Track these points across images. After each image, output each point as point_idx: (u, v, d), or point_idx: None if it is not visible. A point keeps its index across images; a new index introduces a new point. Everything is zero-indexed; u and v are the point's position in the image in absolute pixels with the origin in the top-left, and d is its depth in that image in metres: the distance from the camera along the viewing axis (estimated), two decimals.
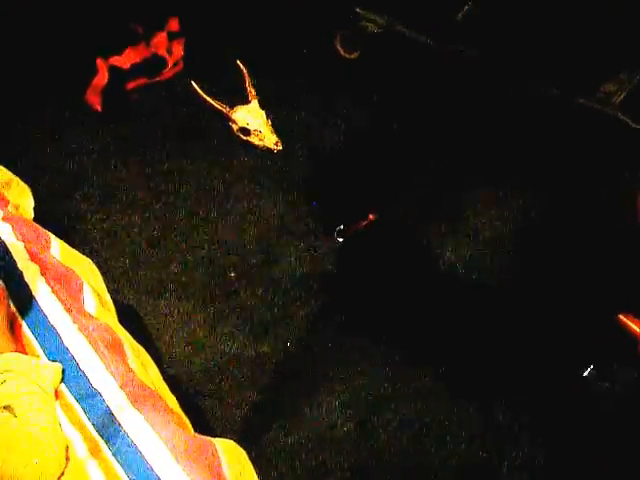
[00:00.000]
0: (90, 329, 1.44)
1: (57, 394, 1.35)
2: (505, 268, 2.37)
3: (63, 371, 1.38)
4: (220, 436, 1.46)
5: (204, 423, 2.04)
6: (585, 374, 1.91)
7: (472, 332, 2.11)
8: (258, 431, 2.07)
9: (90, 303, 1.60)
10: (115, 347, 1.47)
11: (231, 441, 1.48)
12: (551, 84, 2.65)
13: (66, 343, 1.40)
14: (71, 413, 1.33)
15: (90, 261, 1.84)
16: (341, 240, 2.22)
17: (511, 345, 2.09)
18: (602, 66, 2.68)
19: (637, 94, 2.67)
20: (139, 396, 1.36)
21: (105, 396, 1.32)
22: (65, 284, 1.57)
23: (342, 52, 3.05)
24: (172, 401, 1.54)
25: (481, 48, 2.72)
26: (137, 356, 1.53)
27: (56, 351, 1.41)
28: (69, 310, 1.48)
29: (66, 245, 1.78)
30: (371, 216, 2.18)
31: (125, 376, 1.38)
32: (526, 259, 2.39)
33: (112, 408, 1.30)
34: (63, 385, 1.38)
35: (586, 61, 2.65)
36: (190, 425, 1.48)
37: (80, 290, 1.61)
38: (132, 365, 1.48)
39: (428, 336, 2.21)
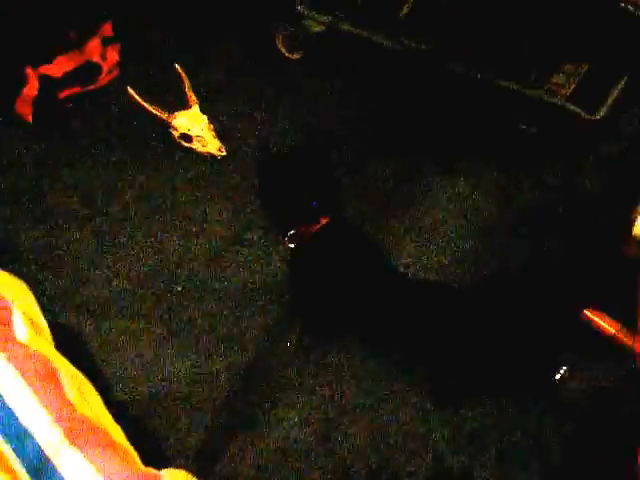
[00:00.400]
0: (20, 358, 1.30)
1: None
2: (464, 267, 2.30)
3: None
4: (173, 463, 1.34)
5: (155, 451, 1.91)
6: (557, 377, 1.83)
7: (434, 336, 2.01)
8: (214, 454, 1.95)
9: (21, 329, 1.46)
10: (49, 377, 1.33)
11: (181, 471, 1.37)
12: (499, 75, 2.58)
13: None
14: None
15: (21, 282, 1.70)
16: (292, 246, 2.10)
17: (476, 350, 2.00)
18: (549, 57, 2.63)
19: (586, 85, 2.62)
20: (77, 431, 1.22)
21: (37, 435, 1.19)
22: None
23: (284, 52, 2.94)
24: (116, 432, 1.41)
25: (427, 42, 2.64)
26: (75, 385, 1.39)
27: None
28: None
29: None
30: (323, 219, 2.07)
31: (60, 409, 1.25)
32: (487, 256, 2.31)
33: (46, 448, 1.17)
34: None
35: (532, 52, 2.60)
36: (137, 457, 1.35)
37: (9, 315, 1.47)
38: (69, 395, 1.35)
39: (389, 343, 2.12)
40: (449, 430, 1.97)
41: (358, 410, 2.04)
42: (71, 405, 1.32)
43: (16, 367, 1.28)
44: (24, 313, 1.53)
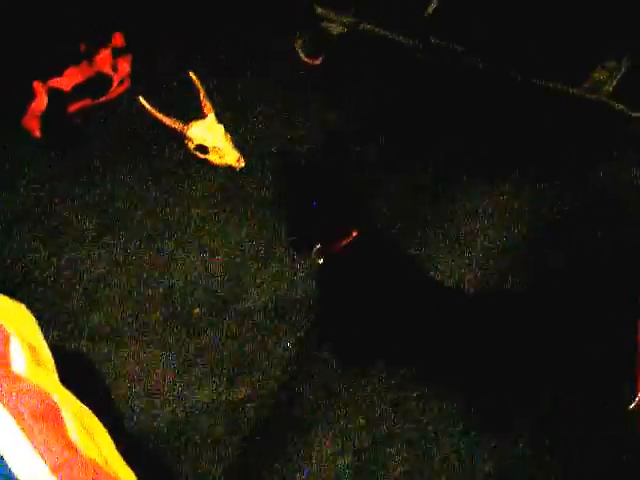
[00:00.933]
0: (13, 396, 1.13)
1: None
2: (503, 277, 2.11)
3: None
4: None
5: None
6: (632, 406, 1.63)
7: (474, 350, 1.82)
8: None
9: (18, 360, 1.28)
10: (48, 416, 1.16)
11: None
12: (538, 75, 2.40)
13: None
14: None
15: (22, 306, 1.53)
16: (321, 261, 1.92)
17: (521, 365, 1.81)
18: (590, 54, 2.45)
19: (629, 82, 2.43)
20: (74, 469, 1.05)
21: None
22: None
23: (304, 58, 2.78)
24: (127, 475, 1.23)
25: (458, 41, 2.47)
26: (80, 423, 1.21)
27: None
28: None
29: None
30: (354, 232, 1.89)
31: (60, 455, 1.07)
32: (525, 265, 2.12)
33: None
34: None
35: (573, 50, 2.42)
36: None
37: (6, 345, 1.30)
38: (72, 437, 1.17)
39: (426, 361, 1.93)
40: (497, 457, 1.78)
41: (396, 439, 1.85)
42: (73, 448, 1.14)
43: (8, 407, 1.11)
44: (24, 341, 1.36)
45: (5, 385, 1.14)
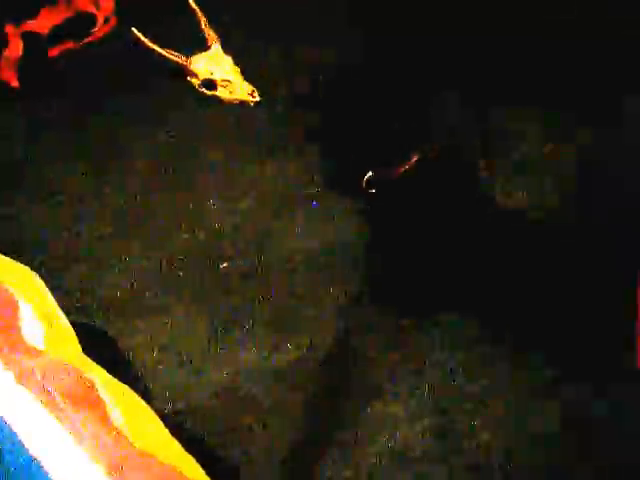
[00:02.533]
0: (38, 375, 0.84)
1: None
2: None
3: None
4: None
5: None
6: None
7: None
8: (307, 468, 1.49)
9: (34, 330, 1.00)
10: (85, 396, 0.87)
11: None
12: None
13: None
14: None
15: (29, 270, 1.24)
16: (373, 191, 1.62)
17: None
18: None
19: None
20: (132, 469, 0.76)
21: None
22: None
23: None
24: (189, 466, 0.95)
25: None
26: (124, 405, 0.93)
27: None
28: None
29: None
30: (415, 157, 1.59)
31: (109, 448, 0.78)
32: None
33: None
34: None
35: None
36: None
37: (15, 312, 1.01)
38: (117, 422, 0.89)
39: (495, 317, 1.65)
40: None
41: (473, 398, 1.58)
42: (123, 437, 0.86)
43: (29, 388, 0.81)
44: (38, 309, 1.07)
45: (23, 362, 0.85)
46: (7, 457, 0.74)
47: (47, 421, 0.78)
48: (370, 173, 1.63)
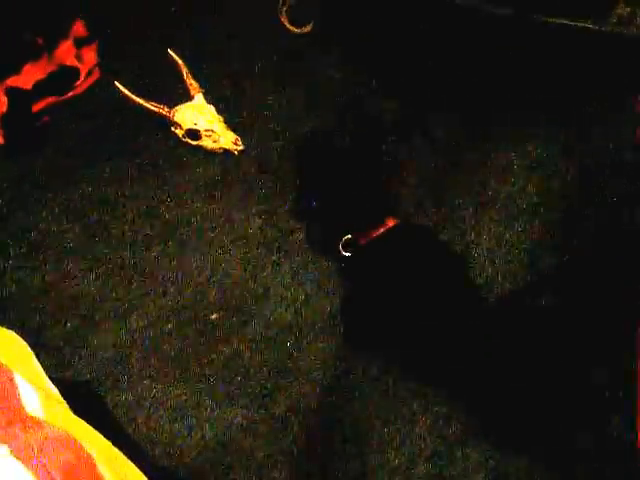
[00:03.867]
0: (35, 449, 0.83)
1: None
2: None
3: None
4: None
5: None
6: None
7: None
8: None
9: (32, 399, 0.99)
10: (81, 470, 0.87)
11: None
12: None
13: None
14: None
15: (15, 336, 1.23)
16: (347, 255, 1.67)
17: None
18: None
19: None
20: None
21: None
22: None
23: (289, 26, 2.49)
24: None
25: None
26: (119, 476, 0.92)
27: None
28: None
29: None
30: (389, 221, 1.64)
31: None
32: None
33: None
34: None
35: None
36: None
37: (11, 382, 1.00)
38: None
39: (478, 369, 1.62)
40: None
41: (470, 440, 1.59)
42: None
43: (28, 464, 0.81)
44: (26, 374, 1.07)
45: (20, 434, 0.85)
46: None
47: None
48: (348, 236, 1.65)
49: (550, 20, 2.14)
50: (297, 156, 1.87)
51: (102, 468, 0.89)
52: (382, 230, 1.68)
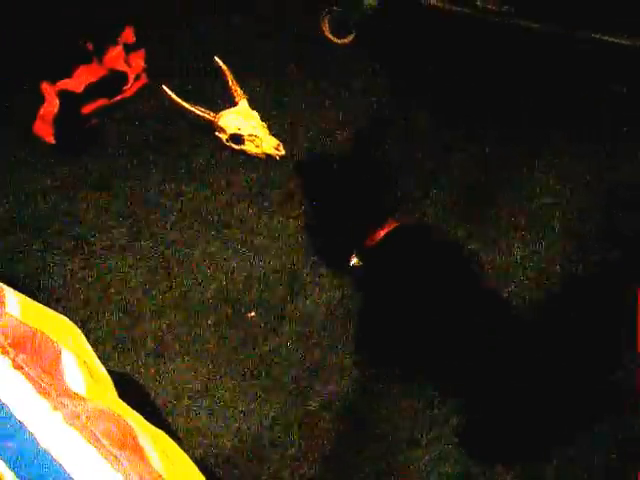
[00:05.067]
0: (83, 418, 0.88)
1: None
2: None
3: None
4: None
5: None
6: None
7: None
8: None
9: (76, 377, 1.04)
10: (126, 441, 0.91)
11: None
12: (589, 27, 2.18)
13: (45, 445, 0.84)
14: None
15: (68, 320, 1.29)
16: (359, 263, 1.76)
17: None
18: None
19: None
20: None
21: None
22: (34, 353, 1.01)
23: (332, 37, 2.55)
24: None
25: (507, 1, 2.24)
26: (161, 450, 0.97)
27: (31, 462, 0.85)
28: (46, 393, 0.92)
29: (29, 300, 1.22)
30: (391, 223, 1.69)
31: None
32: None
33: None
34: None
35: None
36: None
37: (58, 359, 1.05)
38: (156, 466, 0.93)
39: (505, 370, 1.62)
40: None
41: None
42: (161, 477, 0.90)
43: (79, 430, 0.86)
44: (77, 356, 1.12)
45: (69, 405, 0.90)
46: None
47: (97, 460, 0.82)
48: (354, 253, 1.72)
49: (594, 36, 2.15)
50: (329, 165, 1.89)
51: (143, 440, 0.93)
52: (385, 232, 1.70)
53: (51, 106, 2.38)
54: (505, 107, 2.25)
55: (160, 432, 1.08)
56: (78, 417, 0.88)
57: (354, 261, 1.83)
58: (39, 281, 1.96)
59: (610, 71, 2.25)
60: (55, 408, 0.88)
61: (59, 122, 2.37)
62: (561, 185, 2.05)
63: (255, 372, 1.75)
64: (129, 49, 2.60)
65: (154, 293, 1.93)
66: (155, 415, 1.66)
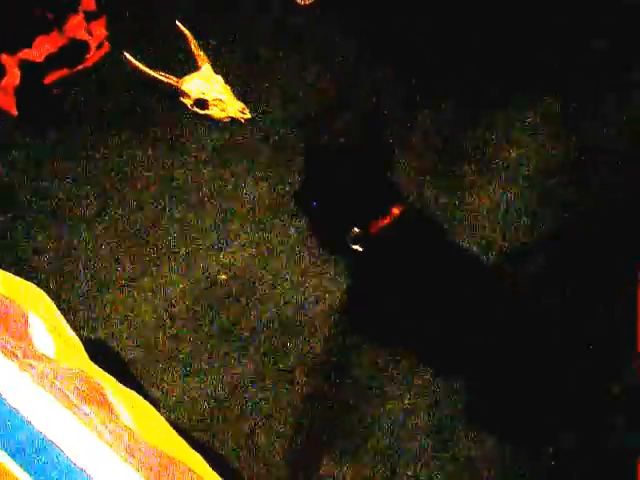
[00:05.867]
0: (50, 377, 0.90)
1: None
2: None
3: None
4: None
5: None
6: None
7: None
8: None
9: (45, 341, 1.06)
10: (94, 397, 0.93)
11: None
12: None
13: (14, 405, 0.86)
14: None
15: (37, 288, 1.30)
16: (356, 247, 1.62)
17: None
18: None
19: None
20: (157, 469, 0.82)
21: (98, 475, 0.78)
22: (1, 318, 1.02)
23: None
24: (199, 464, 1.01)
25: None
26: (131, 407, 0.99)
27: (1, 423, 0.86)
28: (13, 355, 0.93)
29: None
30: (395, 209, 1.59)
31: (124, 440, 0.85)
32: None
33: None
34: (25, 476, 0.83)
35: None
36: None
37: (25, 324, 1.07)
38: (126, 421, 0.95)
39: (494, 368, 1.61)
40: None
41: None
42: (132, 433, 0.92)
43: (48, 389, 0.88)
44: (46, 321, 1.13)
45: (37, 365, 0.91)
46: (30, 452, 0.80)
47: (66, 417, 0.84)
48: (355, 229, 1.60)
49: None
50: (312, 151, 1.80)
51: (112, 398, 0.95)
52: (389, 220, 1.61)
53: (12, 77, 2.35)
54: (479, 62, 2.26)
55: (130, 391, 1.10)
56: (46, 377, 0.90)
57: (355, 246, 1.70)
58: (8, 254, 1.95)
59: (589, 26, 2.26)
60: (23, 369, 0.89)
61: (21, 93, 2.35)
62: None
63: (228, 333, 1.77)
64: (90, 17, 2.56)
65: (124, 262, 1.93)
66: (128, 380, 1.67)
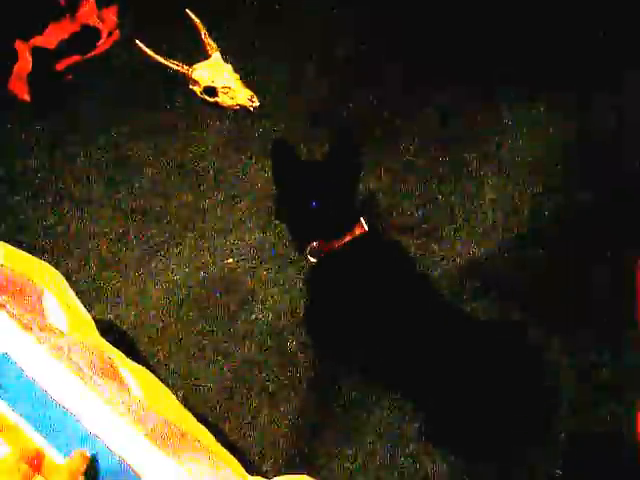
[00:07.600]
0: (65, 349, 0.94)
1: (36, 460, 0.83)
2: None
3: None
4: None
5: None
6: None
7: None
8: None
9: (58, 316, 1.10)
10: (107, 371, 0.97)
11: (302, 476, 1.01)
12: None
13: (30, 374, 0.90)
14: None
15: (49, 266, 1.34)
16: (313, 260, 1.58)
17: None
18: None
19: None
20: (166, 436, 0.86)
21: (115, 444, 0.82)
22: (17, 294, 1.06)
23: None
24: (206, 437, 1.05)
25: None
26: (140, 379, 1.03)
27: (18, 391, 0.90)
28: (28, 328, 0.97)
29: (11, 247, 1.26)
30: (358, 229, 1.55)
31: (135, 409, 0.88)
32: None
33: (122, 452, 0.80)
34: (42, 441, 0.87)
35: None
36: (240, 466, 0.99)
37: (39, 300, 1.11)
38: (136, 393, 0.99)
39: (445, 375, 1.54)
40: None
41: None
42: (142, 402, 0.96)
43: (63, 361, 0.91)
44: (59, 298, 1.17)
45: (52, 338, 0.95)
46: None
47: (83, 389, 0.88)
48: (314, 243, 1.55)
49: None
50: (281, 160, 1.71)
51: (123, 371, 0.99)
52: (349, 238, 1.55)
53: (25, 63, 2.39)
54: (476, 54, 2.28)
55: (140, 367, 1.14)
56: (61, 349, 0.94)
57: (312, 259, 1.62)
58: (20, 236, 1.99)
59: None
60: (39, 341, 0.93)
61: (34, 79, 2.39)
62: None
63: (234, 316, 1.81)
64: (102, 4, 2.60)
65: (133, 244, 1.97)
66: (134, 361, 1.72)
